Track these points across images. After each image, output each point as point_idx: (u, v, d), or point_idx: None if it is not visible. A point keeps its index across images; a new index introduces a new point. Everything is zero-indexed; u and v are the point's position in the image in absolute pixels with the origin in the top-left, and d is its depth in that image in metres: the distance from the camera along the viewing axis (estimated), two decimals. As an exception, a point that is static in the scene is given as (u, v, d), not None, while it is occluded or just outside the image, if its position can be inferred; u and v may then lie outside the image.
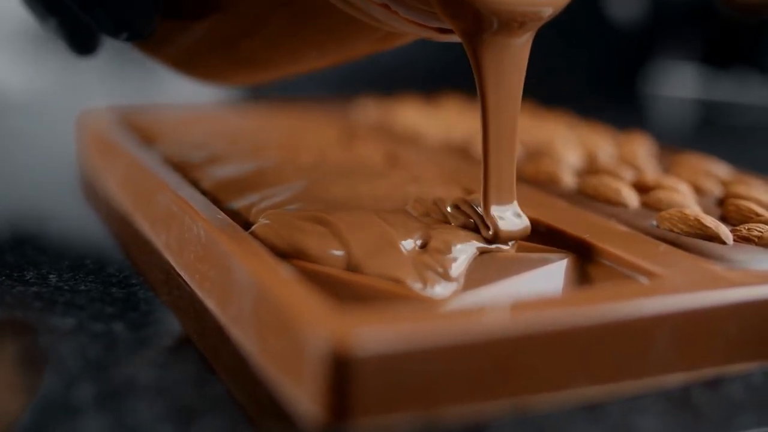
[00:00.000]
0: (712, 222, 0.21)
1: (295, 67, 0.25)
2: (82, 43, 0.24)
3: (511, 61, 0.20)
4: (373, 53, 0.24)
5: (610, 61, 0.67)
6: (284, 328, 0.16)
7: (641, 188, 0.25)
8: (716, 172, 0.28)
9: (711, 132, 0.54)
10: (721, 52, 0.64)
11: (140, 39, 0.22)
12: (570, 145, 0.31)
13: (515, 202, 0.21)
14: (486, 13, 0.19)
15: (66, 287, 0.21)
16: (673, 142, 0.35)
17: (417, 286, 0.18)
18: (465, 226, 0.21)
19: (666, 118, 0.58)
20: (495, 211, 0.20)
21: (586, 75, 0.67)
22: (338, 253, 0.19)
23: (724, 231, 0.21)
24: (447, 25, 0.20)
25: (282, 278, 0.17)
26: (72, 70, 0.63)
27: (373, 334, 0.15)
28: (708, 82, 0.63)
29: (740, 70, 0.63)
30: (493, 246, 0.20)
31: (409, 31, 0.21)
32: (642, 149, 0.31)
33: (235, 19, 0.22)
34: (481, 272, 0.19)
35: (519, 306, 0.16)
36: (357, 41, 0.23)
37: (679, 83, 0.64)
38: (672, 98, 0.62)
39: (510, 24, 0.19)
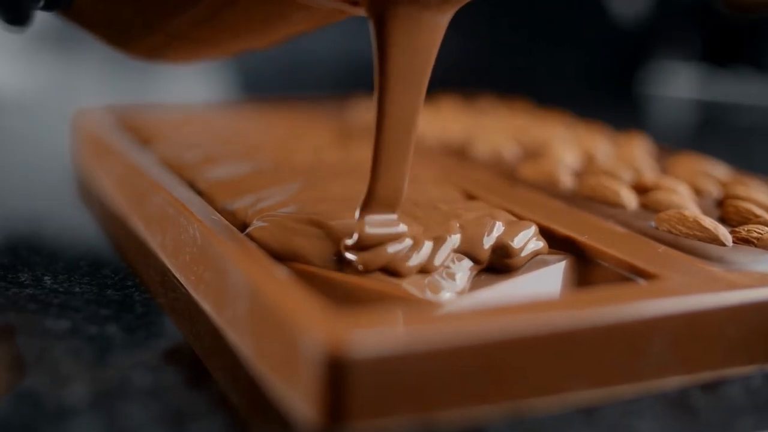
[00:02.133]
0: (711, 223, 0.21)
1: (232, 45, 0.24)
2: (11, 12, 0.23)
3: (425, 42, 0.17)
4: (307, 31, 0.23)
5: (609, 61, 0.67)
6: (279, 330, 0.16)
7: (640, 189, 0.25)
8: (715, 173, 0.28)
9: (710, 132, 0.54)
10: (720, 52, 0.64)
11: (59, 7, 0.22)
12: (568, 145, 0.31)
13: (395, 215, 0.19)
14: None
15: (61, 289, 0.21)
16: (673, 143, 0.35)
17: (414, 288, 0.18)
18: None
19: (665, 118, 0.58)
20: (368, 220, 0.19)
21: (585, 74, 0.67)
22: (334, 256, 0.19)
23: (723, 232, 0.21)
24: None
25: (277, 280, 0.17)
26: (67, 69, 0.62)
27: (369, 336, 0.14)
28: (707, 81, 0.63)
29: (740, 70, 0.63)
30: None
31: (319, 2, 0.19)
32: (640, 150, 0.31)
33: None
34: (478, 274, 0.19)
35: (516, 308, 0.16)
36: (283, 18, 0.21)
37: (678, 83, 0.64)
38: (671, 98, 0.61)
39: None
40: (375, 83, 0.18)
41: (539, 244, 0.20)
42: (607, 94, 0.64)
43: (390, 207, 0.19)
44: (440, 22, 0.17)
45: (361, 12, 0.18)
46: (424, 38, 0.17)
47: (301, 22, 0.22)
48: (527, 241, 0.20)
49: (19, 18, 0.23)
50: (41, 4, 0.21)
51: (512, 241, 0.20)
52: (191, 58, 0.26)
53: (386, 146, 0.18)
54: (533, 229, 0.20)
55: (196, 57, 0.26)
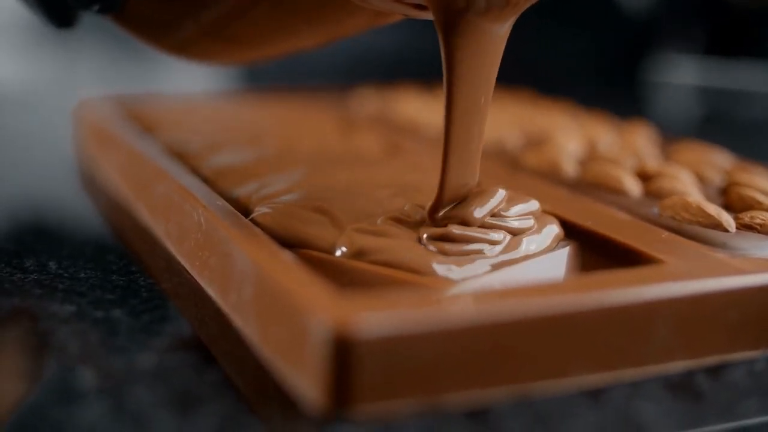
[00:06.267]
0: (714, 209, 0.21)
1: (283, 46, 0.24)
2: (59, 15, 0.24)
3: (489, 49, 0.18)
4: (363, 31, 0.24)
5: (614, 50, 0.66)
6: (285, 313, 0.16)
7: (643, 176, 0.25)
8: (719, 160, 0.28)
9: (715, 121, 0.54)
10: (725, 41, 0.64)
11: (112, 11, 0.22)
12: (571, 133, 0.31)
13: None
14: None
15: (66, 274, 0.21)
16: (677, 131, 0.35)
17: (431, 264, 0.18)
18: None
19: (670, 107, 0.58)
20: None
21: (589, 63, 0.67)
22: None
23: (727, 218, 0.21)
24: (422, 1, 0.18)
25: (284, 264, 0.17)
26: (68, 61, 0.62)
27: (375, 318, 0.15)
28: (712, 70, 0.63)
29: (746, 59, 0.62)
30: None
31: (385, 7, 0.20)
32: (644, 138, 0.31)
33: None
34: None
35: (521, 291, 0.16)
36: (344, 19, 0.22)
37: (683, 72, 0.64)
38: (676, 87, 0.61)
39: (497, 3, 0.17)
40: (444, 85, 0.19)
41: (555, 230, 0.20)
42: (611, 83, 0.64)
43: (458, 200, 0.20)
44: (500, 32, 0.18)
45: (426, 17, 0.19)
46: (487, 46, 0.18)
47: (352, 24, 0.23)
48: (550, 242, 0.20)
49: (65, 21, 0.24)
50: (95, 8, 0.22)
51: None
52: (242, 59, 0.27)
53: (455, 143, 0.19)
54: (556, 224, 0.20)
55: (245, 58, 0.26)
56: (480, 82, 0.19)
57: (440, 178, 0.19)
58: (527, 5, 0.18)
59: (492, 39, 0.18)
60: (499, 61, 0.19)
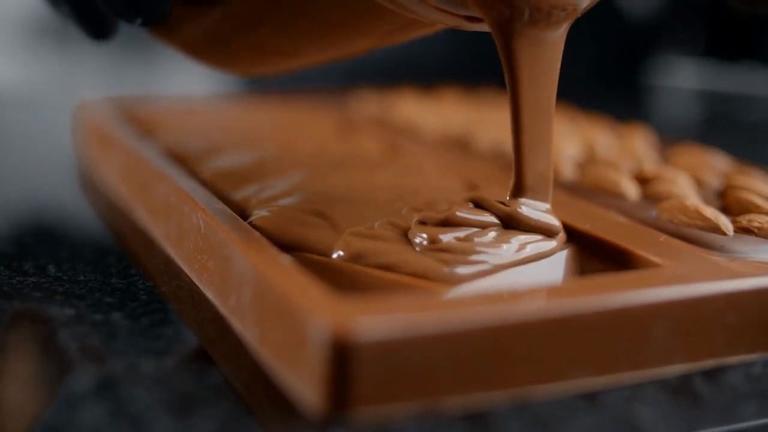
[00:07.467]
0: (712, 213, 0.21)
1: (314, 56, 0.24)
2: (97, 28, 0.24)
3: (545, 54, 0.19)
4: (394, 43, 0.24)
5: (615, 52, 0.66)
6: (284, 316, 0.16)
7: (641, 180, 0.25)
8: (717, 163, 0.28)
9: (715, 124, 0.54)
10: (727, 44, 0.64)
11: (155, 23, 0.22)
12: (570, 137, 0.31)
13: (548, 205, 0.20)
14: (520, 2, 0.18)
15: (65, 277, 0.21)
16: (677, 135, 0.35)
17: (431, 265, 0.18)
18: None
19: (670, 110, 0.58)
20: (523, 203, 0.20)
21: (590, 67, 0.67)
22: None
23: (724, 222, 0.21)
24: (476, 14, 0.19)
25: (282, 267, 0.17)
26: (68, 61, 0.62)
27: (373, 321, 0.15)
28: (713, 74, 0.63)
29: (745, 63, 0.62)
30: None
31: (436, 19, 0.20)
32: (642, 141, 0.31)
33: (252, 4, 0.22)
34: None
35: (519, 295, 0.16)
36: (380, 28, 0.22)
37: (683, 75, 0.64)
38: (676, 90, 0.61)
39: (548, 13, 0.18)
40: (508, 90, 0.19)
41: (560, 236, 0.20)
42: (611, 86, 0.64)
43: (537, 195, 0.20)
44: (554, 37, 0.19)
45: (479, 28, 0.20)
46: (546, 52, 0.19)
47: (398, 33, 0.23)
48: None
49: (102, 33, 0.24)
50: (139, 22, 0.22)
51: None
52: (283, 69, 0.27)
53: (526, 143, 0.20)
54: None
55: (287, 67, 0.26)
56: (540, 83, 0.19)
57: (515, 177, 0.20)
58: (577, 14, 0.19)
59: (544, 44, 0.19)
60: (558, 64, 0.19)
